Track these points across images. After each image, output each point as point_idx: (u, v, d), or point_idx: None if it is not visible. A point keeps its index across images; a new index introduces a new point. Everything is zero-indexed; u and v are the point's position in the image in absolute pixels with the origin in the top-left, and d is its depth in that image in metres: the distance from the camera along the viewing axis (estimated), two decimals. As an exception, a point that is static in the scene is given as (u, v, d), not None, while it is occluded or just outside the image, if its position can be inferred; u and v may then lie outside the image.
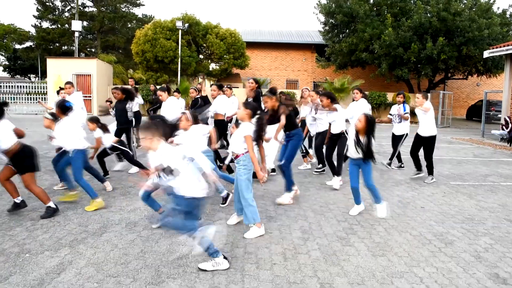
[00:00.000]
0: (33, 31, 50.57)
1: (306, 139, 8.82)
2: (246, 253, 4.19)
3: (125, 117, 8.17)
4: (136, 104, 10.05)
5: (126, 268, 3.78)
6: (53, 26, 49.12)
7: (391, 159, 8.96)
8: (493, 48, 17.78)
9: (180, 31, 24.99)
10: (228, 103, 9.22)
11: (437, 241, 4.75)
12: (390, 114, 9.12)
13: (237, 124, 8.02)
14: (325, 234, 4.87)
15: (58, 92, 9.08)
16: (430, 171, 8.03)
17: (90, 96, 23.14)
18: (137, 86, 16.38)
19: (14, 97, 25.38)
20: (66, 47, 50.14)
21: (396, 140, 8.93)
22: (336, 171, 7.34)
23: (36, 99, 24.83)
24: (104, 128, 7.00)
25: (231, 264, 3.89)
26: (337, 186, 7.15)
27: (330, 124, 7.49)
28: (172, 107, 8.07)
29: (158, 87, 12.03)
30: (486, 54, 17.97)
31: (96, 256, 4.03)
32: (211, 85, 9.33)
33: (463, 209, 6.14)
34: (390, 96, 24.35)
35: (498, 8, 24.05)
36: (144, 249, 4.22)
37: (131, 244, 4.36)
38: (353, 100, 8.66)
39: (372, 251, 4.36)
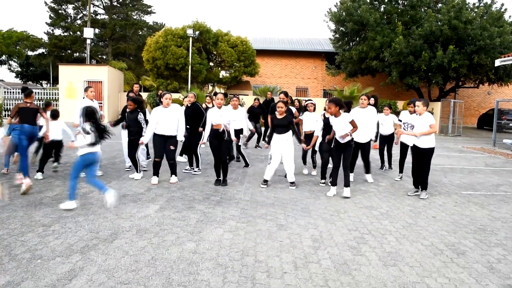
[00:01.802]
0: (45, 38, 51.11)
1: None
2: (256, 262, 4.18)
3: (138, 127, 7.94)
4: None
5: (137, 275, 3.79)
6: (65, 33, 49.63)
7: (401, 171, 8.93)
8: (504, 57, 17.67)
9: (191, 38, 25.15)
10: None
11: (449, 251, 4.71)
12: (400, 120, 8.87)
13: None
14: (336, 243, 4.84)
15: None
16: (425, 186, 7.40)
17: (101, 103, 23.32)
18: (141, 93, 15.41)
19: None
20: (77, 54, 50.63)
21: (406, 150, 8.70)
22: (347, 181, 7.25)
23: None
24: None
25: (242, 273, 3.89)
26: (348, 194, 7.15)
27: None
28: (170, 115, 7.74)
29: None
30: (497, 62, 17.86)
31: (107, 262, 4.04)
32: (214, 93, 8.92)
33: (475, 219, 6.08)
34: (400, 104, 24.27)
35: (510, 16, 23.86)
36: (155, 256, 4.22)
37: (142, 251, 4.37)
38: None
39: (383, 261, 4.33)
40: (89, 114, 5.81)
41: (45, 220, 5.29)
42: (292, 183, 7.79)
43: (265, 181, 7.84)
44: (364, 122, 8.21)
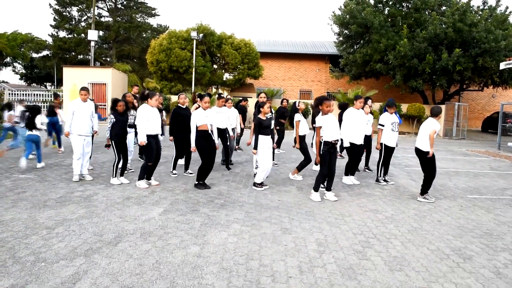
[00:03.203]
0: (50, 40, 51.26)
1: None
2: (261, 266, 4.15)
3: (125, 129, 7.93)
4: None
5: (141, 278, 3.77)
6: (70, 36, 49.74)
7: (386, 174, 8.76)
8: (509, 60, 17.59)
9: (194, 41, 25.19)
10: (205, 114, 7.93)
11: (455, 256, 4.67)
12: (381, 125, 8.52)
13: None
14: (341, 247, 4.81)
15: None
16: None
17: (105, 105, 23.37)
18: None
19: (30, 105, 25.74)
20: (82, 56, 50.66)
21: (390, 152, 8.48)
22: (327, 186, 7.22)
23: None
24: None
25: (247, 277, 3.86)
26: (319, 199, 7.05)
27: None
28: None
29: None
30: (502, 65, 17.79)
31: (111, 266, 4.02)
32: (199, 95, 8.66)
33: (481, 223, 6.03)
34: (404, 107, 24.20)
35: (515, 19, 23.76)
36: (159, 260, 4.20)
37: (146, 254, 4.35)
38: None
39: (389, 266, 4.30)
40: (34, 110, 8.88)
41: (49, 223, 5.28)
42: (260, 184, 7.82)
43: (261, 184, 7.80)
44: (360, 123, 8.46)
